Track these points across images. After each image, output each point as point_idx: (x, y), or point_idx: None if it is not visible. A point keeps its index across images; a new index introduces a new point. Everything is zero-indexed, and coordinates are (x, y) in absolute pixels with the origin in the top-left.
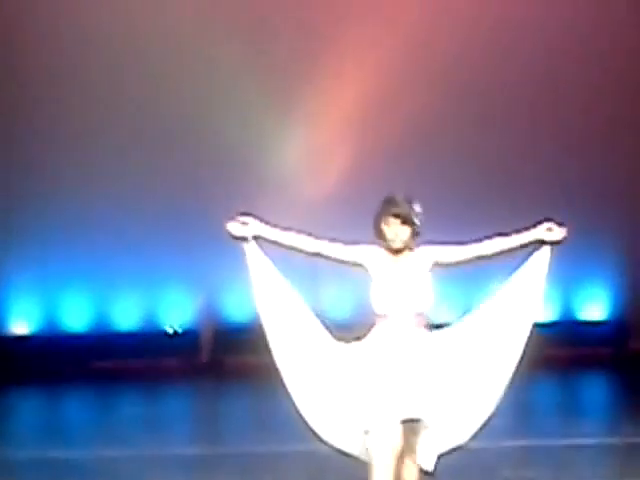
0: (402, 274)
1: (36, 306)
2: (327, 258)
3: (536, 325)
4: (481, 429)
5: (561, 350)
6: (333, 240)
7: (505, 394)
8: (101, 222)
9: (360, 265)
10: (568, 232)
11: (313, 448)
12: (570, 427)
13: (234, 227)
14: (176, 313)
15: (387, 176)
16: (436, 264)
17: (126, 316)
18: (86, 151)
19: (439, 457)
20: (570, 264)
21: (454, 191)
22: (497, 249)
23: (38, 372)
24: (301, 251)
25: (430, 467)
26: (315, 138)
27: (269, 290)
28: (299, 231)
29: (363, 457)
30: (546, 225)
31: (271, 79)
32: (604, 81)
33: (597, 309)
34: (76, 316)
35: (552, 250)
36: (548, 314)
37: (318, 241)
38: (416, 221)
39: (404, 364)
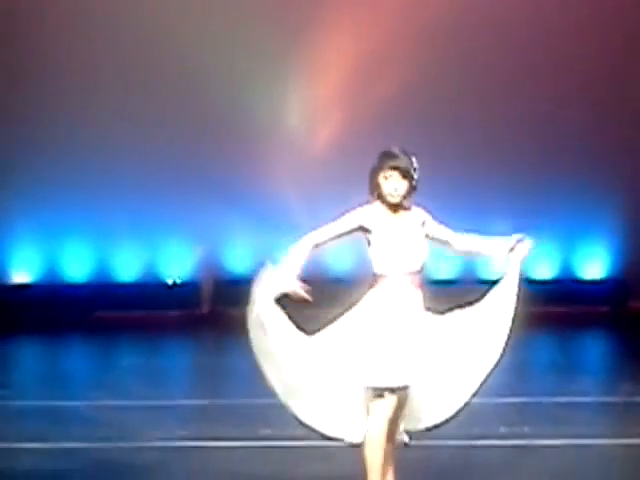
0: (400, 231)
1: (37, 255)
2: (334, 240)
3: (535, 282)
4: (462, 409)
5: (560, 308)
6: (328, 223)
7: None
8: (103, 173)
9: (362, 229)
10: (574, 183)
11: None
12: (568, 385)
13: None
14: (176, 264)
15: (385, 129)
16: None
17: (127, 267)
18: (87, 103)
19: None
20: (570, 222)
21: (450, 145)
22: (468, 248)
23: (39, 321)
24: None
25: (407, 439)
26: (316, 91)
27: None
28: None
29: (347, 440)
30: (515, 238)
31: (275, 33)
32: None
33: (597, 267)
34: (77, 266)
35: (522, 263)
36: (547, 272)
37: (319, 234)
38: (415, 175)
39: (404, 330)
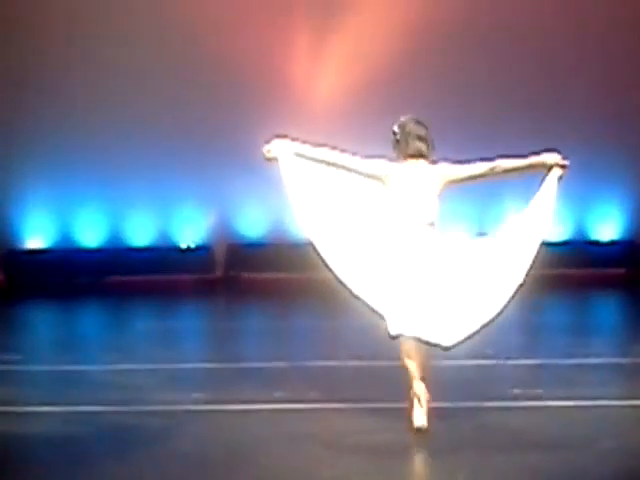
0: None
1: (52, 220)
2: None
3: (549, 245)
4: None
5: (573, 270)
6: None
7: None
8: (117, 139)
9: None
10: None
11: (325, 364)
12: (582, 347)
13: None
14: (190, 229)
15: (391, 87)
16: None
17: (140, 232)
18: (102, 72)
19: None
20: (583, 184)
21: (458, 102)
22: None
23: (53, 286)
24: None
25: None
26: (326, 53)
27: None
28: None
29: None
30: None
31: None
32: None
33: (610, 229)
34: (91, 231)
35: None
36: (560, 234)
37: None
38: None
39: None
